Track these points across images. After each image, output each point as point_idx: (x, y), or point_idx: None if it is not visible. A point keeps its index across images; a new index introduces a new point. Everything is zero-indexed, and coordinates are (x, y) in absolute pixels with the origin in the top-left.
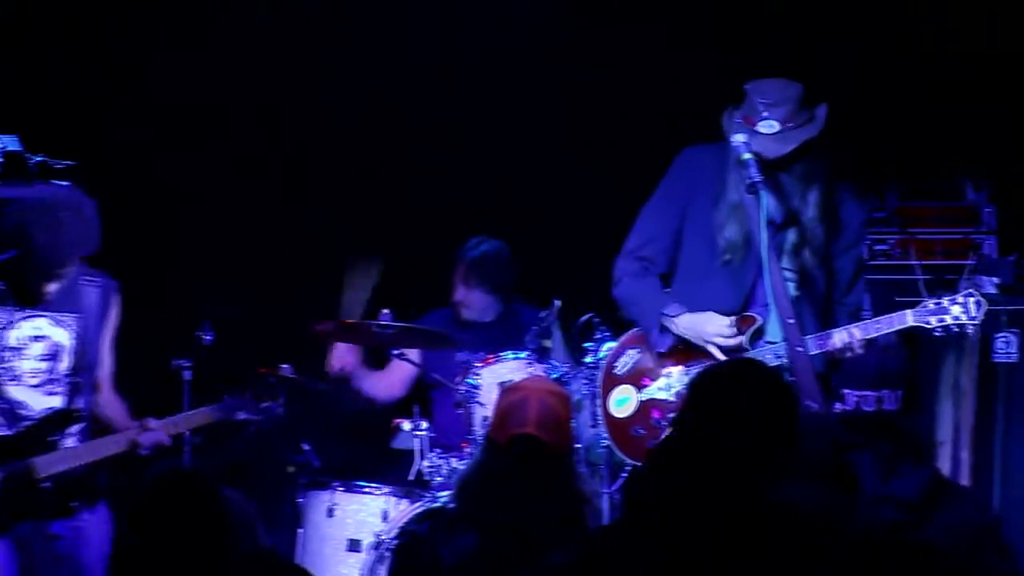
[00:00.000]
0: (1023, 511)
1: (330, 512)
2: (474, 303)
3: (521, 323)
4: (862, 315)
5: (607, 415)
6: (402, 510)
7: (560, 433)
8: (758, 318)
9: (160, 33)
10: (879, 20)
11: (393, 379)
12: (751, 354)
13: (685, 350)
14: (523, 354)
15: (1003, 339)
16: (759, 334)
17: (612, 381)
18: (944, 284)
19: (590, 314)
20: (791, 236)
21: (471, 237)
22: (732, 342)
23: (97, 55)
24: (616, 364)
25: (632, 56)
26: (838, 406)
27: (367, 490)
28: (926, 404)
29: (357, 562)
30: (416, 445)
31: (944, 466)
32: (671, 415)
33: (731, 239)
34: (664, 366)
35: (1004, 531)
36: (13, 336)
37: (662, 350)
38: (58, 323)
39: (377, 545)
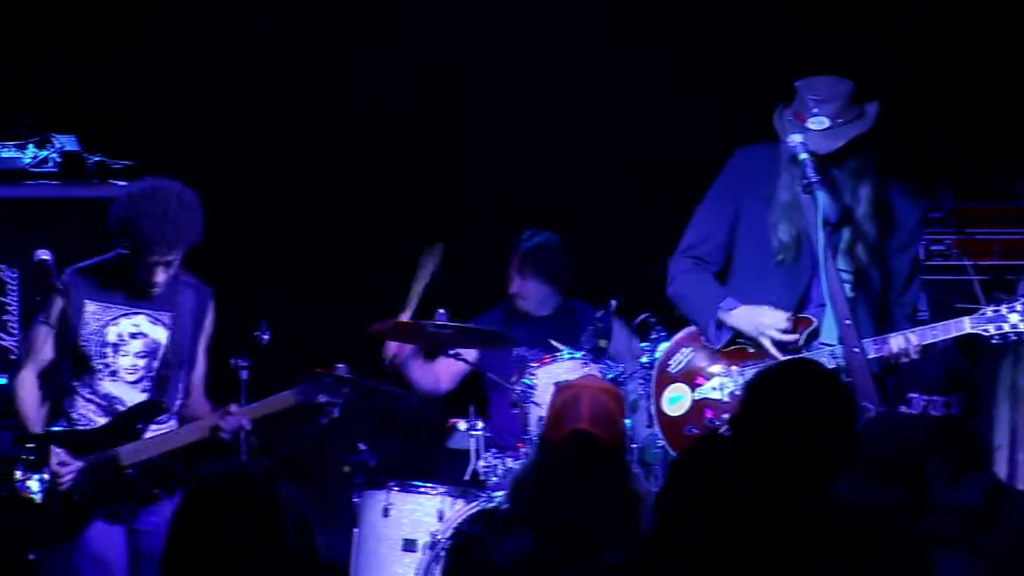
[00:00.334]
0: None
1: (386, 512)
2: (529, 294)
3: (577, 321)
4: (918, 316)
5: (660, 413)
6: (457, 510)
7: (613, 430)
8: (814, 319)
9: (209, 32)
10: (934, 18)
11: (440, 373)
12: (807, 356)
13: (740, 350)
14: (579, 354)
15: None
16: (814, 335)
17: (666, 379)
18: (1003, 285)
19: (646, 314)
20: (846, 235)
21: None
22: (788, 337)
23: (152, 56)
24: (670, 362)
25: (689, 56)
26: (903, 410)
27: (423, 490)
28: (983, 408)
29: (412, 562)
30: (472, 445)
31: (1000, 470)
32: (724, 415)
33: (784, 239)
34: (718, 366)
35: None
36: (113, 332)
37: (718, 346)
38: (156, 321)
39: (432, 545)
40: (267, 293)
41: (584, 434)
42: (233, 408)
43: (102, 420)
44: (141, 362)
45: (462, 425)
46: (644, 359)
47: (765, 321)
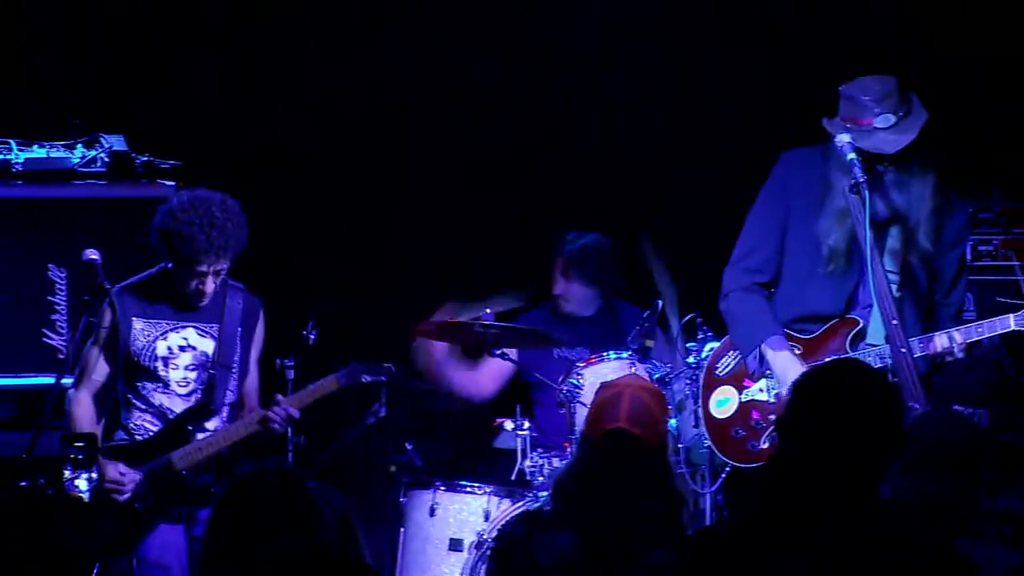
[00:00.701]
0: None
1: (432, 511)
2: (573, 296)
3: (621, 320)
4: (964, 315)
5: (707, 415)
6: (504, 509)
7: (653, 429)
8: (860, 320)
9: (267, 26)
10: (981, 17)
11: (485, 378)
12: (854, 356)
13: None
14: (625, 354)
15: None
16: (861, 336)
17: (713, 381)
18: None
19: (693, 314)
20: (894, 235)
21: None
22: None
23: (201, 56)
24: (718, 365)
25: (739, 59)
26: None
27: (469, 489)
28: None
29: (458, 561)
30: (518, 444)
31: None
32: (771, 416)
33: (836, 247)
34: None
35: None
36: (163, 346)
37: (755, 373)
38: (204, 333)
39: (478, 544)
40: (314, 292)
41: (623, 432)
42: (279, 398)
43: (154, 427)
44: (192, 374)
45: (508, 425)
46: (691, 359)
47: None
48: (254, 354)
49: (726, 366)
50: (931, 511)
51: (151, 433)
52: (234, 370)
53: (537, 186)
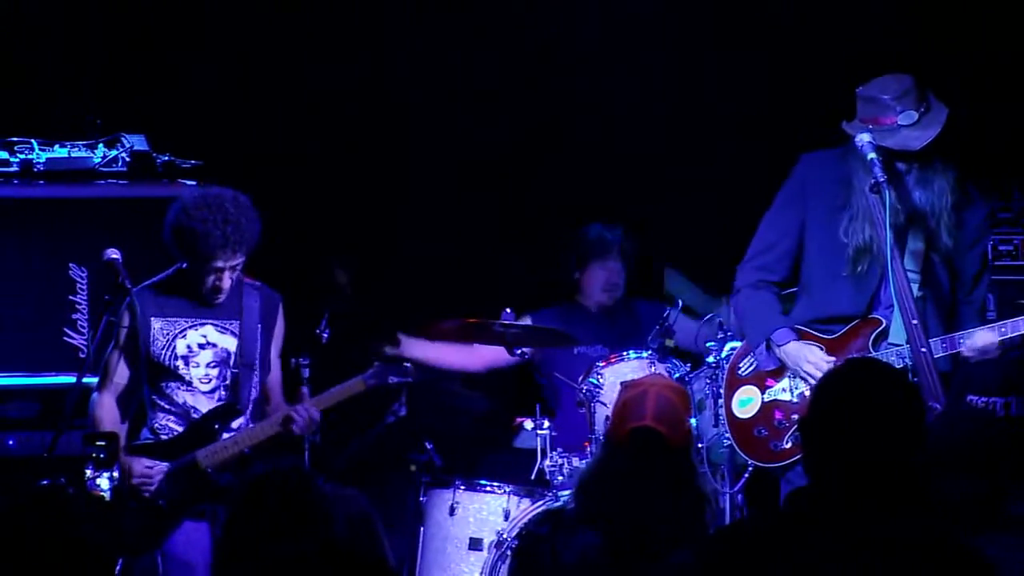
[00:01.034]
0: None
1: (452, 511)
2: (593, 282)
3: (640, 318)
4: (986, 315)
5: (730, 415)
6: (523, 509)
7: (678, 427)
8: (882, 320)
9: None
10: (999, 16)
11: (475, 355)
12: (875, 356)
13: None
14: (645, 353)
15: None
16: (883, 336)
17: (736, 381)
18: None
19: (712, 313)
20: (915, 234)
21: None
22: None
23: (219, 55)
24: (740, 365)
25: (739, 59)
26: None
27: (489, 489)
28: None
29: (478, 561)
30: (538, 444)
31: None
32: (794, 416)
33: (859, 247)
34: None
35: None
36: (182, 345)
37: (766, 368)
38: (223, 330)
39: (498, 544)
40: (328, 291)
41: (648, 431)
42: (305, 394)
43: (178, 426)
44: (213, 371)
45: (528, 424)
46: (711, 359)
47: (810, 359)
48: (275, 349)
49: (748, 366)
50: (953, 511)
51: (176, 433)
52: (256, 368)
53: (537, 186)
